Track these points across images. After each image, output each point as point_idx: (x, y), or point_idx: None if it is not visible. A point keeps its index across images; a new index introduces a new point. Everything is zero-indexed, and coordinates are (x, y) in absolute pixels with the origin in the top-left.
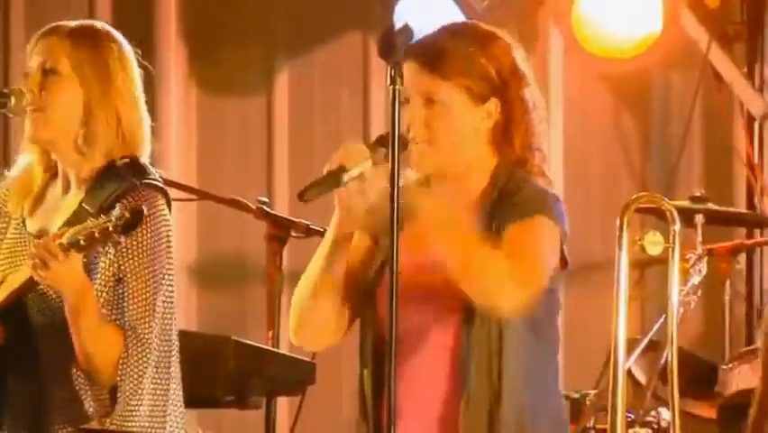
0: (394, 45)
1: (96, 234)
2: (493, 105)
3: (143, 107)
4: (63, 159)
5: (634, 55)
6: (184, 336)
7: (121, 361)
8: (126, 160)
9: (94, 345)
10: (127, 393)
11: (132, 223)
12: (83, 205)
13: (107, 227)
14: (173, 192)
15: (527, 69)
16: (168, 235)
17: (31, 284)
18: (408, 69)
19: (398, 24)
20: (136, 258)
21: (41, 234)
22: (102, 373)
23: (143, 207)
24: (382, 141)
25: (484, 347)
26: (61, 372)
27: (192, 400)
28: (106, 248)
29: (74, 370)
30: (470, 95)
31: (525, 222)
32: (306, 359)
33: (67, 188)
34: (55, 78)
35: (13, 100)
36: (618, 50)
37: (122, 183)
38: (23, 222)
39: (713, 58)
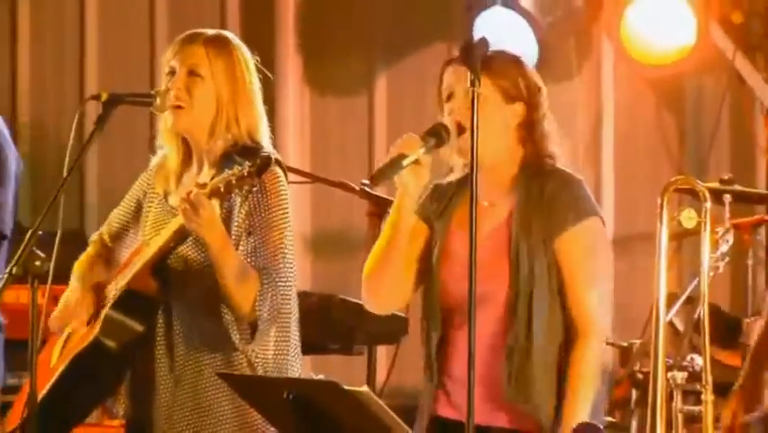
0: (473, 54)
1: (234, 181)
2: (519, 107)
3: (261, 105)
4: (196, 145)
5: (672, 62)
6: (300, 295)
7: (258, 299)
8: (245, 143)
9: (235, 284)
10: (265, 328)
11: (263, 166)
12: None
13: (243, 173)
14: (291, 176)
15: (544, 89)
16: (287, 200)
17: (179, 235)
18: (456, 70)
19: (476, 37)
20: (262, 214)
21: None
22: (242, 308)
23: (272, 156)
24: (433, 131)
25: (524, 314)
26: (209, 312)
27: (306, 348)
28: (243, 193)
29: (222, 307)
30: (503, 94)
31: (581, 242)
32: (400, 314)
33: (200, 170)
34: (198, 80)
35: (158, 100)
36: (659, 59)
37: (243, 158)
38: (165, 198)
39: (738, 65)
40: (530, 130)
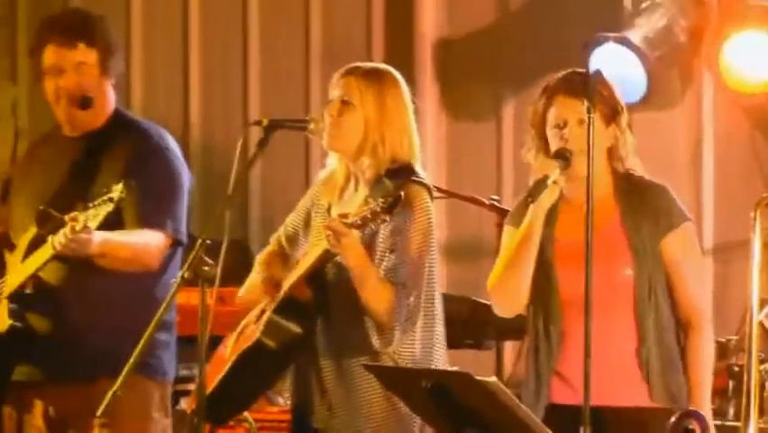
0: (589, 85)
1: (368, 215)
2: (613, 128)
3: (412, 131)
4: (351, 165)
5: (765, 91)
6: None
7: (395, 310)
8: (397, 165)
9: (373, 298)
10: (401, 333)
11: (393, 205)
12: (367, 198)
13: (376, 209)
14: None
15: (623, 103)
16: (430, 220)
17: (327, 255)
18: (565, 101)
19: (592, 70)
20: (405, 234)
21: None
22: (381, 317)
23: (402, 194)
24: (561, 154)
25: (650, 303)
26: (355, 318)
27: None
28: (378, 226)
29: (364, 317)
30: (603, 118)
31: (683, 242)
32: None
33: (356, 187)
34: (349, 108)
35: (312, 124)
36: (754, 88)
37: (394, 182)
38: (329, 211)
39: None
40: (617, 151)
